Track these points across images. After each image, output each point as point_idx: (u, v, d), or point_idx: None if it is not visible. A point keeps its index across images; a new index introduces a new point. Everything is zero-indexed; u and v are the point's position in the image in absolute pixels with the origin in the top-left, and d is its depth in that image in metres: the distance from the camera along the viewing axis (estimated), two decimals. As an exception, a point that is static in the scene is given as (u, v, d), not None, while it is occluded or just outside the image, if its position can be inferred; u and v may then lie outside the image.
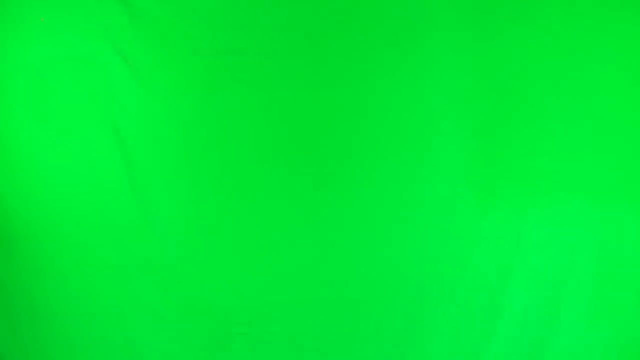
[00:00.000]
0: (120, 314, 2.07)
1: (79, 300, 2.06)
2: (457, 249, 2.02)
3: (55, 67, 2.04)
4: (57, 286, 2.07)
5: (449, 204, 2.01)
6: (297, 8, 2.02)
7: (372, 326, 2.05)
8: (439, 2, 1.99)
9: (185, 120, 2.06)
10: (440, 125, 2.01)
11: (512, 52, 1.99)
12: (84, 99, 2.04)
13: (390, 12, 1.99)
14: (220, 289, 2.07)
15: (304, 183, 2.05)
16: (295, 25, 2.03)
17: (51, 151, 2.05)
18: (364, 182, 2.04)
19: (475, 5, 1.98)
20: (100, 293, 2.06)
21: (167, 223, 2.06)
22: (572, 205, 2.00)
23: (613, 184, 1.98)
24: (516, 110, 2.00)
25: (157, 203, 2.06)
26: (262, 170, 2.06)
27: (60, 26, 2.04)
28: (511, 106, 2.00)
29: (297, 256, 2.05)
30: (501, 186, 2.01)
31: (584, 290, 2.00)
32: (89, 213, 2.06)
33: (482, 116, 2.00)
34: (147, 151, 2.06)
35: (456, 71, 2.00)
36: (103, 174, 2.05)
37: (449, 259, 2.03)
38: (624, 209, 1.99)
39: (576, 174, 1.99)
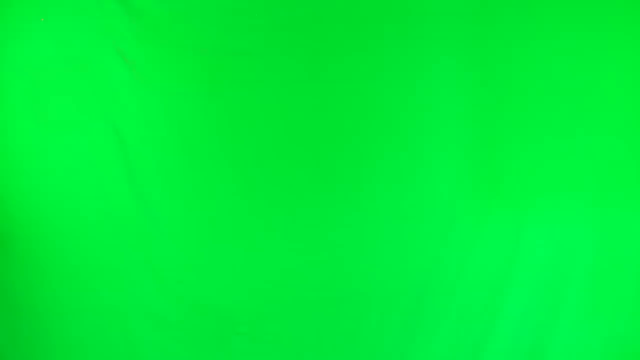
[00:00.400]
0: (120, 314, 2.07)
1: (79, 300, 2.06)
2: (457, 249, 2.02)
3: (56, 67, 2.04)
4: (57, 286, 2.07)
5: (449, 204, 2.02)
6: (297, 8, 2.02)
7: (372, 326, 2.05)
8: (439, 3, 1.99)
9: (185, 120, 2.06)
10: (440, 126, 2.02)
11: (512, 53, 1.99)
12: (84, 99, 2.04)
13: (391, 13, 1.99)
14: (220, 288, 2.07)
15: (304, 184, 2.05)
16: (295, 26, 2.03)
17: (51, 151, 2.05)
18: (364, 182, 2.04)
19: (475, 6, 1.98)
20: (100, 293, 2.06)
21: (167, 223, 2.06)
22: (572, 206, 2.00)
23: (612, 184, 1.99)
24: (516, 111, 2.00)
25: (157, 203, 2.06)
26: (262, 170, 2.06)
27: (60, 26, 2.04)
28: (511, 107, 2.00)
29: (297, 256, 2.05)
30: (501, 187, 2.01)
31: (584, 290, 2.00)
32: (89, 213, 2.06)
33: (482, 117, 2.01)
34: (147, 151, 2.06)
35: (456, 72, 2.00)
36: (103, 174, 2.05)
37: (449, 259, 2.03)
38: (623, 210, 1.99)
39: (576, 174, 1.99)
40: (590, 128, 1.99)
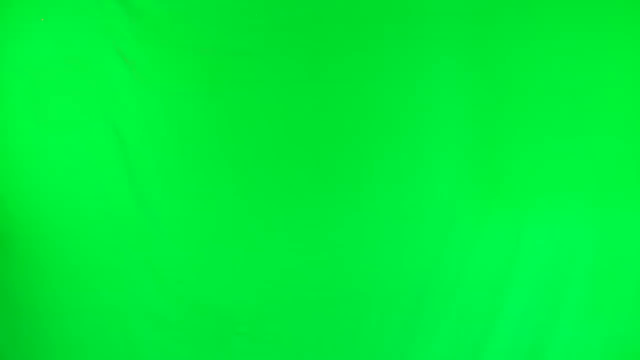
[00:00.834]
0: (120, 314, 2.07)
1: (79, 300, 2.06)
2: (457, 249, 2.02)
3: (56, 67, 2.04)
4: (57, 286, 2.07)
5: (449, 204, 2.02)
6: (297, 8, 2.02)
7: (372, 326, 2.05)
8: (439, 3, 1.99)
9: (185, 120, 2.06)
10: (440, 126, 2.02)
11: (512, 53, 1.99)
12: (84, 99, 2.04)
13: (391, 13, 1.99)
14: (220, 288, 2.07)
15: (304, 184, 2.05)
16: (295, 26, 2.03)
17: (51, 151, 2.05)
18: (364, 182, 2.04)
19: (475, 6, 1.98)
20: (100, 293, 2.06)
21: (167, 223, 2.06)
22: (572, 206, 2.00)
23: (612, 184, 1.99)
24: (516, 111, 2.00)
25: (157, 203, 2.06)
26: (262, 170, 2.06)
27: (60, 26, 2.04)
28: (511, 107, 2.00)
29: (297, 256, 2.05)
30: (501, 187, 2.01)
31: (584, 290, 2.00)
32: (89, 213, 2.06)
33: (482, 117, 2.01)
34: (147, 151, 2.06)
35: (456, 72, 2.00)
36: (103, 174, 2.05)
37: (449, 259, 2.03)
38: (623, 210, 1.99)
39: (576, 174, 1.99)
40: (590, 128, 1.99)
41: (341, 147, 2.04)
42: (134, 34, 2.03)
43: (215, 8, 2.03)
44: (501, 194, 2.01)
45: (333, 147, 2.04)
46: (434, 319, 2.04)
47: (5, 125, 2.05)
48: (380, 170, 2.03)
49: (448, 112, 2.01)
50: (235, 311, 2.07)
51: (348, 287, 2.05)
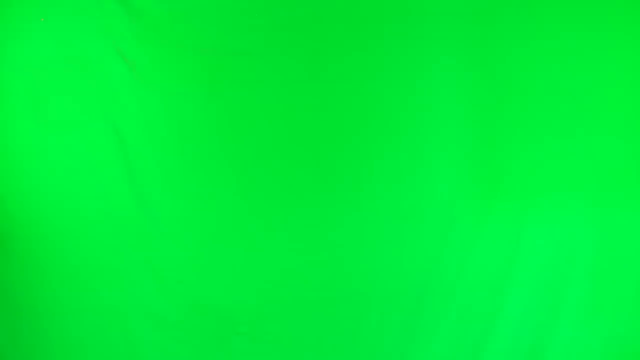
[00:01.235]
0: (120, 314, 2.07)
1: (79, 300, 2.06)
2: (457, 249, 2.02)
3: (56, 67, 2.03)
4: (57, 286, 2.07)
5: (449, 204, 2.02)
6: (297, 8, 2.02)
7: (372, 326, 2.05)
8: (439, 3, 1.99)
9: (185, 120, 2.06)
10: (440, 126, 2.02)
11: (512, 53, 1.99)
12: (84, 99, 2.04)
13: (391, 13, 1.99)
14: (221, 288, 2.07)
15: (304, 184, 2.05)
16: (295, 26, 2.03)
17: (51, 151, 2.05)
18: (364, 182, 2.04)
19: (475, 6, 1.98)
20: (100, 293, 2.06)
21: (167, 223, 2.06)
22: (572, 206, 2.00)
23: (612, 184, 1.99)
24: (516, 111, 2.00)
25: (157, 203, 2.06)
26: (261, 170, 2.06)
27: (60, 26, 2.04)
28: (511, 107, 2.00)
29: (297, 256, 2.05)
30: (501, 187, 2.01)
31: (584, 290, 2.00)
32: (89, 213, 2.06)
33: (482, 117, 2.01)
34: (147, 151, 2.06)
35: (456, 72, 2.00)
36: (103, 174, 2.05)
37: (449, 259, 2.03)
38: (623, 210, 1.99)
39: (576, 174, 1.99)
40: (591, 128, 1.99)
41: (341, 147, 2.04)
42: (134, 34, 2.03)
43: (215, 8, 2.03)
44: (501, 194, 2.01)
45: (333, 147, 2.04)
46: (434, 319, 2.04)
47: (5, 125, 2.05)
48: (380, 170, 2.03)
49: (448, 112, 2.01)
50: (235, 311, 2.07)
51: (348, 287, 2.05)
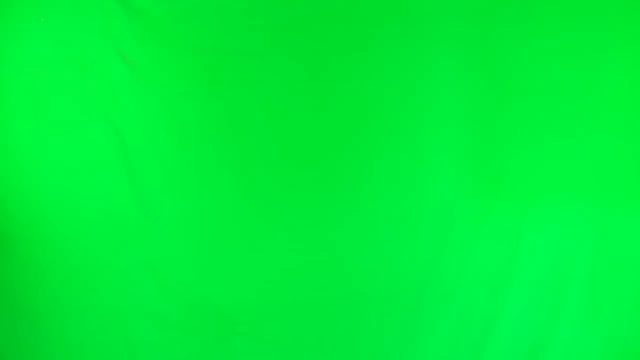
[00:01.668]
0: (120, 314, 2.07)
1: (79, 300, 2.06)
2: (457, 249, 2.03)
3: (56, 67, 2.03)
4: (57, 286, 2.07)
5: (449, 204, 2.02)
6: (297, 8, 2.02)
7: (372, 326, 2.05)
8: (439, 3, 1.99)
9: (185, 120, 2.06)
10: (440, 126, 2.02)
11: (512, 53, 1.99)
12: (84, 99, 2.04)
13: (391, 13, 1.99)
14: (220, 288, 2.07)
15: (304, 184, 2.05)
16: (295, 26, 2.03)
17: (51, 151, 2.05)
18: (364, 182, 2.04)
19: (476, 6, 1.98)
20: (100, 293, 2.06)
21: (167, 223, 2.06)
22: (572, 206, 2.00)
23: (612, 184, 1.99)
24: (516, 111, 2.00)
25: (157, 203, 2.06)
26: (261, 170, 2.06)
27: (60, 26, 2.04)
28: (511, 107, 2.00)
29: (297, 256, 2.05)
30: (501, 187, 2.01)
31: (584, 290, 2.00)
32: (89, 213, 2.06)
33: (483, 117, 2.01)
34: (147, 151, 2.06)
35: (456, 72, 2.00)
36: (103, 174, 2.05)
37: (449, 259, 2.03)
38: (623, 210, 1.99)
39: (576, 174, 1.99)
40: (591, 128, 1.99)
41: (341, 147, 2.04)
42: (134, 34, 2.03)
43: (215, 8, 2.03)
44: (501, 194, 2.01)
45: (333, 147, 2.04)
46: (434, 319, 2.04)
47: (5, 125, 2.05)
48: (380, 170, 2.03)
49: (448, 112, 2.01)
50: (235, 311, 2.07)
51: (348, 287, 2.05)
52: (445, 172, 2.02)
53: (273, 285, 2.06)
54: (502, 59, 2.00)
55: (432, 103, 2.02)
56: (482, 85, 2.00)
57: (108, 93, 2.04)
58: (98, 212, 2.05)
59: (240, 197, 2.06)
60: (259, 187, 2.06)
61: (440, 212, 2.02)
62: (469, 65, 2.00)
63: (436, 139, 2.02)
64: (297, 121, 2.05)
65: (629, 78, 1.98)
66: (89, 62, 2.03)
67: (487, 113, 2.01)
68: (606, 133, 1.98)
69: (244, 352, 2.07)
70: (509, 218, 2.01)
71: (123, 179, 2.04)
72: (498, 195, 2.01)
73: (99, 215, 2.05)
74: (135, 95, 2.05)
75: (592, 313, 2.00)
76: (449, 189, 2.02)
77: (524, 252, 2.00)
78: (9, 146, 2.05)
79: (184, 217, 2.07)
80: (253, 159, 2.06)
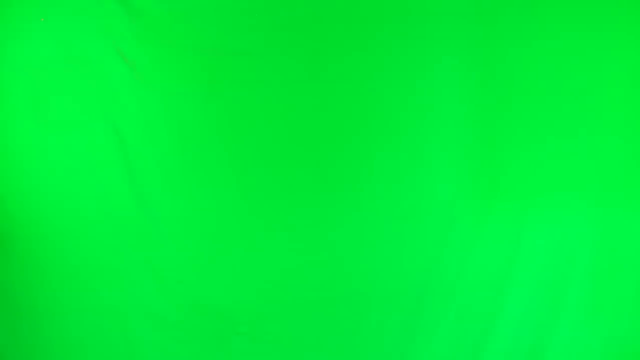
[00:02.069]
0: (120, 314, 2.07)
1: (79, 300, 2.06)
2: (457, 249, 2.03)
3: (56, 67, 2.03)
4: (57, 286, 2.07)
5: (449, 204, 2.02)
6: (297, 8, 2.02)
7: (372, 326, 2.05)
8: (440, 3, 1.99)
9: (185, 120, 2.06)
10: (440, 126, 2.02)
11: (513, 53, 1.99)
12: (84, 99, 2.04)
13: (391, 13, 1.99)
14: (220, 288, 2.07)
15: (304, 184, 2.05)
16: (296, 26, 2.03)
17: (51, 151, 2.05)
18: (364, 182, 2.04)
19: (477, 6, 1.98)
20: (100, 293, 2.06)
21: (167, 223, 2.06)
22: (572, 206, 2.00)
23: (612, 184, 1.99)
24: (517, 111, 2.00)
25: (157, 203, 2.06)
26: (261, 170, 2.06)
27: (60, 26, 2.04)
28: (512, 107, 2.00)
29: (297, 256, 2.05)
30: (501, 187, 2.01)
31: (584, 290, 2.00)
32: (89, 213, 2.06)
33: (483, 117, 2.01)
34: (147, 151, 2.06)
35: (457, 72, 2.00)
36: (103, 174, 2.05)
37: (449, 259, 2.03)
38: (623, 210, 1.99)
39: (576, 174, 1.99)
40: (591, 128, 1.99)
41: (341, 147, 2.04)
42: (134, 34, 2.03)
43: (215, 8, 2.03)
44: (501, 194, 2.01)
45: (333, 147, 2.04)
46: (434, 319, 2.04)
47: (5, 125, 2.05)
48: (380, 170, 2.03)
49: (448, 112, 2.01)
50: (235, 311, 2.07)
51: (348, 287, 2.05)
52: (445, 172, 2.02)
53: (273, 285, 2.06)
54: (502, 59, 2.00)
55: (433, 103, 2.02)
56: (482, 85, 2.00)
57: (108, 93, 2.04)
58: (98, 212, 2.05)
59: (240, 197, 2.06)
60: (259, 187, 2.06)
61: (440, 212, 2.02)
62: (468, 65, 2.00)
63: (436, 139, 2.02)
64: (297, 121, 2.05)
65: (629, 78, 1.98)
66: (89, 62, 2.04)
67: (487, 113, 2.01)
68: (606, 133, 1.98)
69: (244, 352, 2.07)
70: (509, 218, 2.01)
71: (123, 179, 2.04)
72: (498, 195, 2.01)
73: (99, 215, 2.05)
74: (135, 95, 2.05)
75: (592, 313, 2.00)
76: (449, 189, 2.02)
77: (524, 252, 2.00)
78: (9, 146, 2.05)
79: (184, 217, 2.07)
80: (253, 159, 2.06)
